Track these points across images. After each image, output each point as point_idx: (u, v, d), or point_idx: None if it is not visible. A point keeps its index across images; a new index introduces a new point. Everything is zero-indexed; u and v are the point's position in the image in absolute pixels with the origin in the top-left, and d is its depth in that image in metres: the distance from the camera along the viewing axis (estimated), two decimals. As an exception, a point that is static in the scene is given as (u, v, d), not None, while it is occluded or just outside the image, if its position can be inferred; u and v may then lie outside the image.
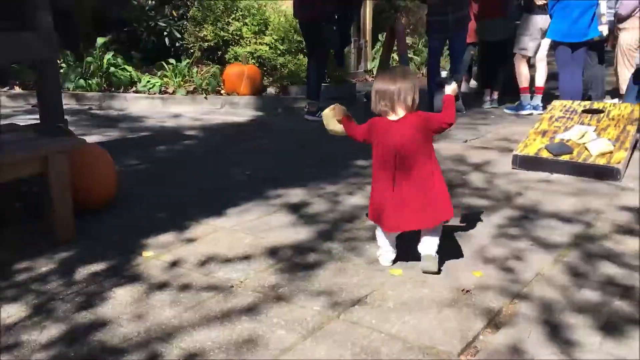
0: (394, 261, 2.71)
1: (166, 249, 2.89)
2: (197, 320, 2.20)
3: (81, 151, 3.20)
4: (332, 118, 2.74)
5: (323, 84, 6.92)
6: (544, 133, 4.73)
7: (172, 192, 3.84)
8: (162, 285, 2.49)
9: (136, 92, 7.42)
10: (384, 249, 2.71)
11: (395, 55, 8.54)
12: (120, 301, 2.36)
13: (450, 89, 2.71)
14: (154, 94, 7.35)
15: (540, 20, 6.69)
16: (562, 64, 6.31)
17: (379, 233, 2.71)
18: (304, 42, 7.26)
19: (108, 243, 2.97)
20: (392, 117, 2.59)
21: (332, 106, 2.78)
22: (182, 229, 3.15)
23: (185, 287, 2.47)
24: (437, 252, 2.60)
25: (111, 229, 3.17)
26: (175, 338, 2.08)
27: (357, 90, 8.19)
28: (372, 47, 10.61)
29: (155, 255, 2.82)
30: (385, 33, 8.22)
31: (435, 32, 6.81)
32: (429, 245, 2.59)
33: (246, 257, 2.78)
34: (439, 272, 2.60)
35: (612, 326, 2.17)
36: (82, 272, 2.63)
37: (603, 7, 6.13)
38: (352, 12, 7.19)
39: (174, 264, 2.72)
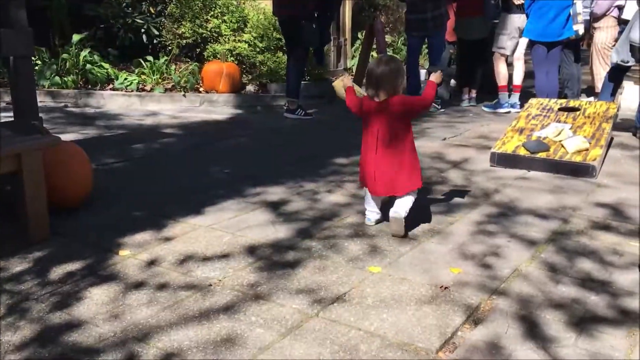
0: (378, 222, 3.12)
1: (143, 248, 2.85)
2: (174, 320, 2.18)
3: (56, 149, 3.15)
4: (341, 88, 3.27)
5: (302, 82, 6.91)
6: (521, 131, 4.78)
7: (149, 191, 3.80)
8: (139, 285, 2.46)
9: (113, 89, 7.32)
10: (370, 209, 3.12)
11: (374, 54, 8.55)
12: (96, 301, 2.32)
13: (434, 76, 3.09)
14: (131, 91, 7.26)
15: (518, 20, 6.76)
16: (538, 63, 6.38)
17: (366, 195, 3.12)
18: (283, 40, 7.24)
19: (84, 242, 2.92)
20: (377, 99, 2.95)
21: (340, 77, 3.33)
22: (160, 228, 3.11)
23: (162, 286, 2.45)
24: (406, 218, 2.95)
25: (87, 227, 3.12)
26: (152, 338, 2.05)
27: (336, 88, 8.19)
28: (352, 45, 10.62)
29: (132, 254, 2.78)
30: (364, 31, 8.23)
31: (414, 31, 6.85)
32: (397, 208, 2.95)
33: (224, 256, 2.76)
34: (405, 235, 2.97)
35: (587, 321, 2.19)
36: (57, 271, 2.58)
37: (579, 7, 6.21)
38: (332, 11, 7.17)
39: (151, 262, 2.69)
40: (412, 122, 3.08)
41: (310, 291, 2.41)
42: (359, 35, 10.12)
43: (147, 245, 2.89)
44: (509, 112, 6.85)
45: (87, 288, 2.43)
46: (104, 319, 2.18)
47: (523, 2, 6.56)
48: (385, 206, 3.12)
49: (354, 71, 8.58)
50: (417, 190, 3.05)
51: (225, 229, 3.11)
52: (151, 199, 3.61)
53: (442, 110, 7.01)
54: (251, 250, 2.84)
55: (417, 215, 3.32)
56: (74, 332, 2.09)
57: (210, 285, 2.46)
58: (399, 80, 2.93)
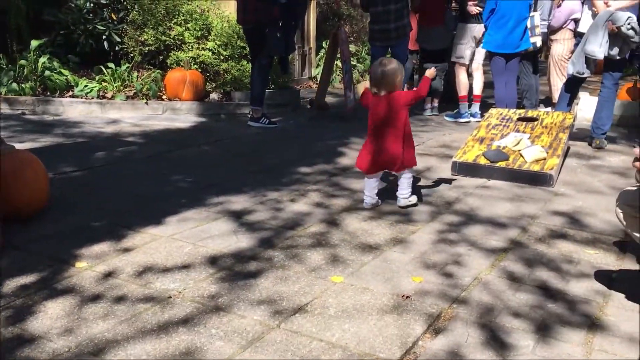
0: (374, 205, 3.63)
1: (101, 259, 2.78)
2: (131, 333, 2.13)
3: (9, 158, 3.06)
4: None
5: (267, 91, 6.89)
6: (481, 140, 4.86)
7: (108, 200, 3.72)
8: (95, 298, 2.40)
9: (73, 96, 7.16)
10: (367, 193, 3.63)
11: (338, 63, 8.60)
12: (50, 315, 2.25)
13: (428, 72, 3.67)
14: (92, 98, 7.11)
15: (474, 29, 6.91)
16: (497, 74, 6.51)
17: (365, 179, 3.64)
18: (247, 48, 7.21)
19: (38, 254, 2.84)
20: (379, 94, 3.52)
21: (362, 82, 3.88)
22: (119, 238, 3.05)
23: (120, 299, 2.39)
24: (410, 194, 3.64)
25: (42, 238, 3.04)
26: (107, 352, 2.00)
27: (301, 97, 8.20)
28: (316, 54, 10.67)
29: (89, 265, 2.72)
30: (328, 40, 8.27)
31: (377, 41, 6.92)
32: (402, 191, 3.63)
33: (185, 267, 2.72)
34: (416, 204, 3.68)
35: (545, 329, 2.23)
36: (10, 284, 2.50)
37: (536, 19, 6.36)
38: (296, 19, 7.18)
39: (109, 274, 2.62)
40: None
41: (272, 302, 2.39)
42: (324, 44, 10.18)
43: (105, 256, 2.83)
44: (469, 122, 6.97)
45: (41, 302, 2.35)
46: (58, 334, 2.11)
47: (479, 13, 6.72)
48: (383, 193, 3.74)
49: (318, 79, 8.61)
50: (413, 168, 3.67)
51: (186, 239, 3.07)
52: (110, 208, 3.54)
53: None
54: (212, 260, 2.80)
55: (380, 224, 3.34)
56: (26, 348, 2.02)
57: (170, 297, 2.42)
58: (397, 78, 3.48)
